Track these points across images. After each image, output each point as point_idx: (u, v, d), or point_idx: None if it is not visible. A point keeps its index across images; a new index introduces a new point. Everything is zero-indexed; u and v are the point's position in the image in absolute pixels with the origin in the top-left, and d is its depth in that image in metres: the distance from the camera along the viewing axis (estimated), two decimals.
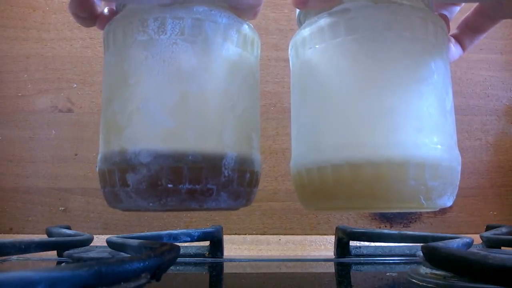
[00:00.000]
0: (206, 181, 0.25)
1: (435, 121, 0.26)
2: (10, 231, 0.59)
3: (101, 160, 0.27)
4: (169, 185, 0.24)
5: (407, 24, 0.26)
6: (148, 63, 0.25)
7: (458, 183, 0.27)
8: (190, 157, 0.24)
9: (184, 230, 0.44)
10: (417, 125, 0.25)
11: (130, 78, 0.26)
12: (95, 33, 0.62)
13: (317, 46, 0.27)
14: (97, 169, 0.28)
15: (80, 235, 0.42)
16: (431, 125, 0.25)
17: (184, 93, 0.25)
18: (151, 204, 0.25)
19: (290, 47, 0.31)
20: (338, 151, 0.25)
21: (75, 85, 0.61)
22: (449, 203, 0.27)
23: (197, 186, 0.25)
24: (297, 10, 0.31)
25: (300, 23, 0.31)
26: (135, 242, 0.31)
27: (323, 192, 0.27)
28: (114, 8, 0.30)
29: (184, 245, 0.45)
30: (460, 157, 0.28)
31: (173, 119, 0.25)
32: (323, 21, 0.27)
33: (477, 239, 0.42)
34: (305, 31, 0.28)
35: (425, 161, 0.25)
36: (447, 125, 0.27)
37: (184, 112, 0.25)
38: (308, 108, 0.28)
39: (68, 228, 0.49)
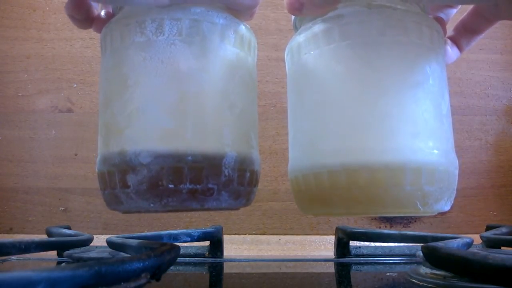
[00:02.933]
0: (207, 181, 0.25)
1: (431, 126, 0.25)
2: (10, 231, 0.59)
3: (100, 162, 0.27)
4: (170, 185, 0.24)
5: (401, 29, 0.26)
6: (147, 64, 0.25)
7: (455, 187, 0.27)
8: (190, 157, 0.24)
9: (184, 230, 0.44)
10: (412, 130, 0.25)
11: (129, 79, 0.26)
12: (95, 33, 0.62)
13: (311, 52, 0.27)
14: (97, 171, 0.28)
15: (80, 235, 0.42)
16: (426, 129, 0.25)
17: (182, 93, 0.25)
18: (152, 205, 0.25)
19: (286, 53, 0.31)
20: (334, 157, 0.25)
21: (75, 85, 0.61)
22: (446, 207, 0.27)
23: (198, 186, 0.25)
24: (293, 16, 0.31)
25: (296, 29, 0.31)
26: (135, 242, 0.31)
27: (320, 197, 0.27)
28: (111, 11, 0.30)
29: (184, 245, 0.45)
30: (457, 161, 0.27)
31: (173, 119, 0.25)
32: (317, 27, 0.27)
33: (477, 239, 0.42)
34: (300, 37, 0.28)
35: (421, 166, 0.24)
36: (443, 130, 0.26)
37: (183, 112, 0.25)
38: (304, 114, 0.28)
39: (68, 228, 0.49)
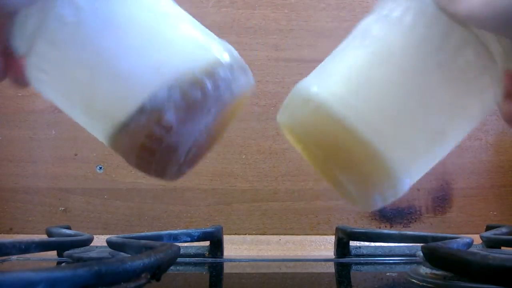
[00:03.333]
0: (224, 73, 0.26)
1: (410, 122, 0.26)
2: (10, 231, 0.59)
3: (126, 143, 0.27)
4: (197, 97, 0.25)
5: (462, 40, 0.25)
6: (96, 43, 0.26)
7: (389, 186, 0.26)
8: (195, 70, 0.26)
9: (184, 230, 0.44)
10: (389, 111, 0.25)
11: (99, 65, 0.26)
12: None
13: (380, 21, 0.28)
14: (134, 153, 0.27)
15: (80, 235, 0.42)
16: (402, 119, 0.25)
17: (143, 38, 0.26)
18: (204, 116, 0.26)
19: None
20: (321, 91, 0.26)
21: None
22: (365, 199, 0.27)
23: (220, 80, 0.26)
24: None
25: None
26: (135, 242, 0.31)
27: (288, 113, 0.28)
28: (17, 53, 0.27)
29: (184, 245, 0.45)
30: (407, 186, 0.26)
31: (159, 54, 0.26)
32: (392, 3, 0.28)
33: (477, 239, 0.42)
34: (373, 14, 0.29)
35: (372, 144, 0.25)
36: (420, 138, 0.26)
37: (158, 48, 0.26)
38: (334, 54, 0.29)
39: (68, 228, 0.49)
